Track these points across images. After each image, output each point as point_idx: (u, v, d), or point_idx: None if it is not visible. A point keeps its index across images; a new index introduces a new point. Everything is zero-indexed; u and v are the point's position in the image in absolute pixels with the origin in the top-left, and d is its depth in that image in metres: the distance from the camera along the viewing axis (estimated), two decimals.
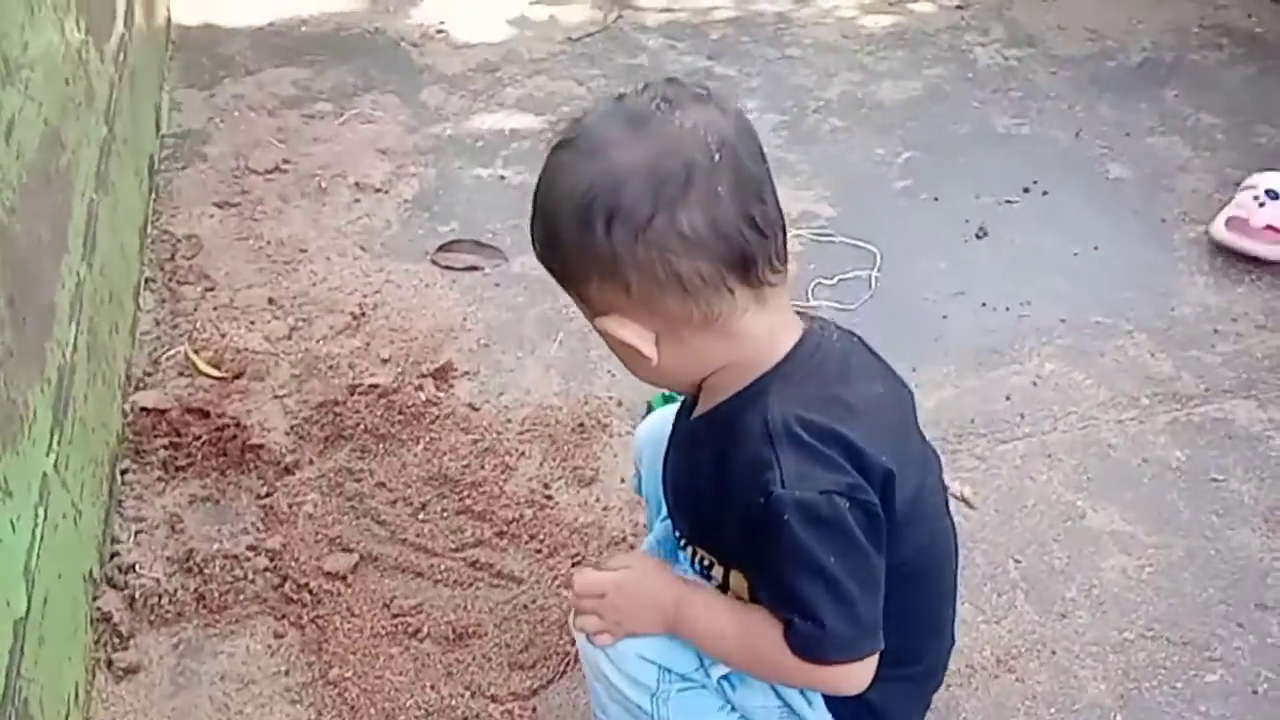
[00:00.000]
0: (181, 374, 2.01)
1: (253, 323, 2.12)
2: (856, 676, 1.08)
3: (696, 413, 1.17)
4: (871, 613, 1.07)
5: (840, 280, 2.24)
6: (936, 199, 2.47)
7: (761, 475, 1.01)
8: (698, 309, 1.01)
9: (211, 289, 2.21)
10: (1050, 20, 3.17)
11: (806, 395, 1.05)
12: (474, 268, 2.29)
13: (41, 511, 1.41)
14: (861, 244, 2.33)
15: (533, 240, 1.10)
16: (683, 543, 1.28)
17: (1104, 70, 2.94)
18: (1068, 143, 2.65)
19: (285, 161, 2.59)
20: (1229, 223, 2.24)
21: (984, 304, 2.18)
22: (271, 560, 1.71)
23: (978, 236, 2.36)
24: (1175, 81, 2.88)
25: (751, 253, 1.00)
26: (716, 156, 1.00)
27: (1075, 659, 1.57)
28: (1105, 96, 2.83)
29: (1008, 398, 1.98)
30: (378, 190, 2.51)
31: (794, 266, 1.07)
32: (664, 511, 1.37)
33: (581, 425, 1.93)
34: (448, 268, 2.29)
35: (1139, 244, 2.32)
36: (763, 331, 1.06)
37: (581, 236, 1.01)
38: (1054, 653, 1.58)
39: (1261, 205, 2.18)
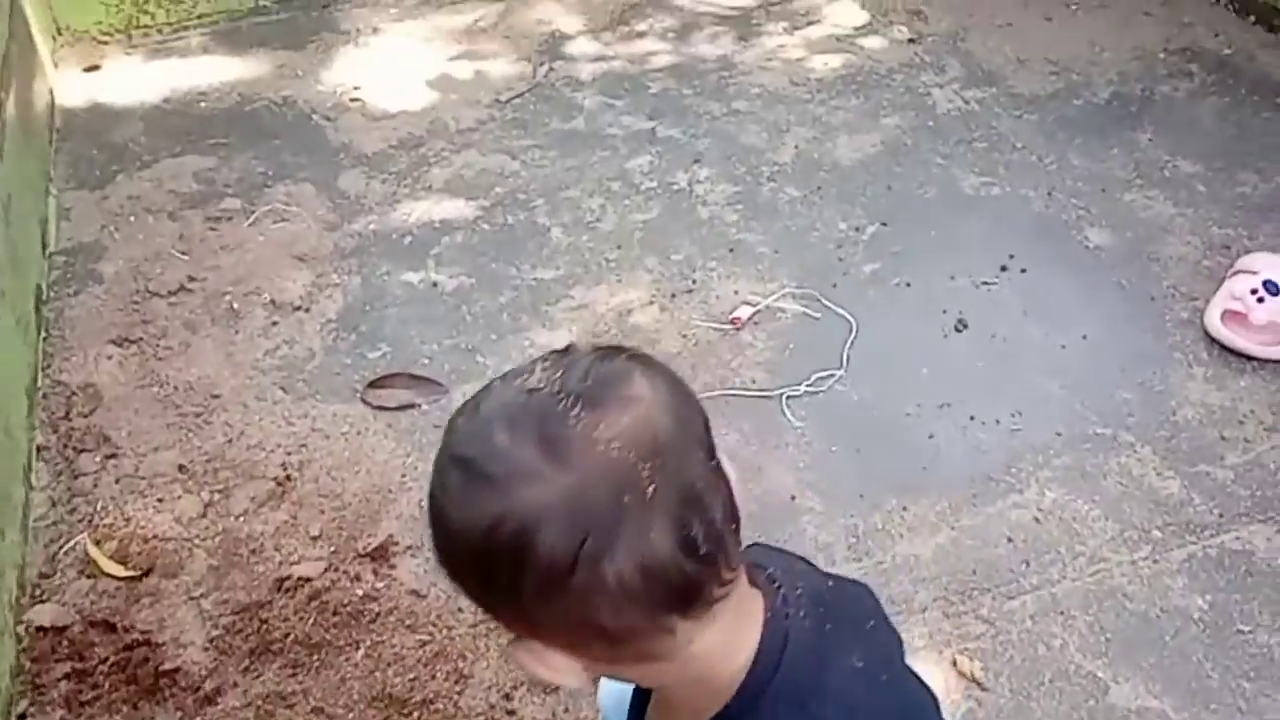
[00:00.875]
0: (82, 574, 1.77)
1: (161, 500, 1.88)
2: None
3: None
4: None
5: (809, 394, 2.05)
6: (909, 285, 2.27)
7: None
8: (630, 651, 0.83)
9: (113, 455, 1.96)
10: (1008, 52, 2.97)
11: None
12: (410, 405, 2.06)
13: None
14: (834, 346, 2.13)
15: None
16: None
17: (1071, 111, 2.76)
18: (1041, 205, 2.46)
19: (190, 279, 2.32)
20: (1225, 316, 2.07)
21: (972, 417, 2.00)
22: None
23: (957, 329, 2.17)
24: (1147, 120, 2.71)
25: (693, 585, 0.81)
26: (650, 487, 0.78)
27: None
28: (1075, 143, 2.64)
29: (1009, 539, 1.80)
30: (297, 308, 2.26)
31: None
32: None
33: None
34: (380, 408, 2.06)
35: (1129, 329, 2.15)
36: (716, 647, 0.87)
37: (484, 582, 0.81)
38: None
39: (1261, 300, 2.01)
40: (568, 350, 0.83)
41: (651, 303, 2.27)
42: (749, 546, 1.00)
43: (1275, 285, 2.01)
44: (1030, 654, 1.65)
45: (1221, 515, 1.82)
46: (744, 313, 2.21)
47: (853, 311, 2.20)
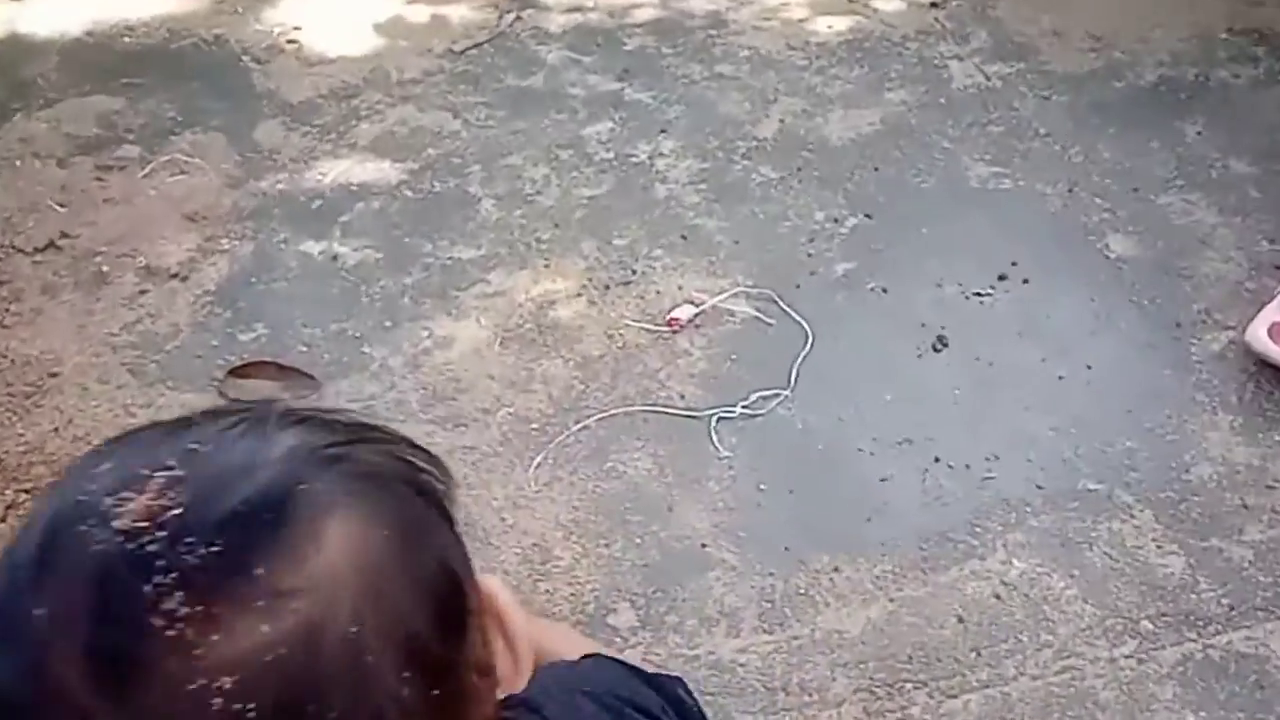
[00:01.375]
0: None
1: None
2: None
3: None
4: None
5: (745, 417, 1.70)
6: (885, 290, 1.91)
7: None
8: None
9: None
10: (1045, 23, 2.57)
11: None
12: (271, 402, 1.74)
13: None
14: (784, 360, 1.78)
15: None
16: None
17: (1109, 94, 2.35)
18: (1058, 203, 2.08)
19: (63, 235, 2.04)
20: (1273, 329, 1.69)
21: (937, 459, 1.64)
22: None
23: (935, 349, 1.81)
24: (1198, 110, 2.30)
25: None
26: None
27: None
28: (1108, 132, 2.25)
29: (960, 619, 1.45)
30: (173, 276, 1.97)
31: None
32: None
33: None
34: (236, 401, 1.75)
35: (1145, 362, 1.77)
36: None
37: None
38: None
39: None
40: (209, 437, 0.47)
41: (580, 294, 1.93)
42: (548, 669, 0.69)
43: None
44: None
45: (1232, 607, 1.45)
46: (685, 313, 1.87)
47: (812, 319, 1.85)
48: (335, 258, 2.01)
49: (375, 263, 2.00)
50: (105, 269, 1.97)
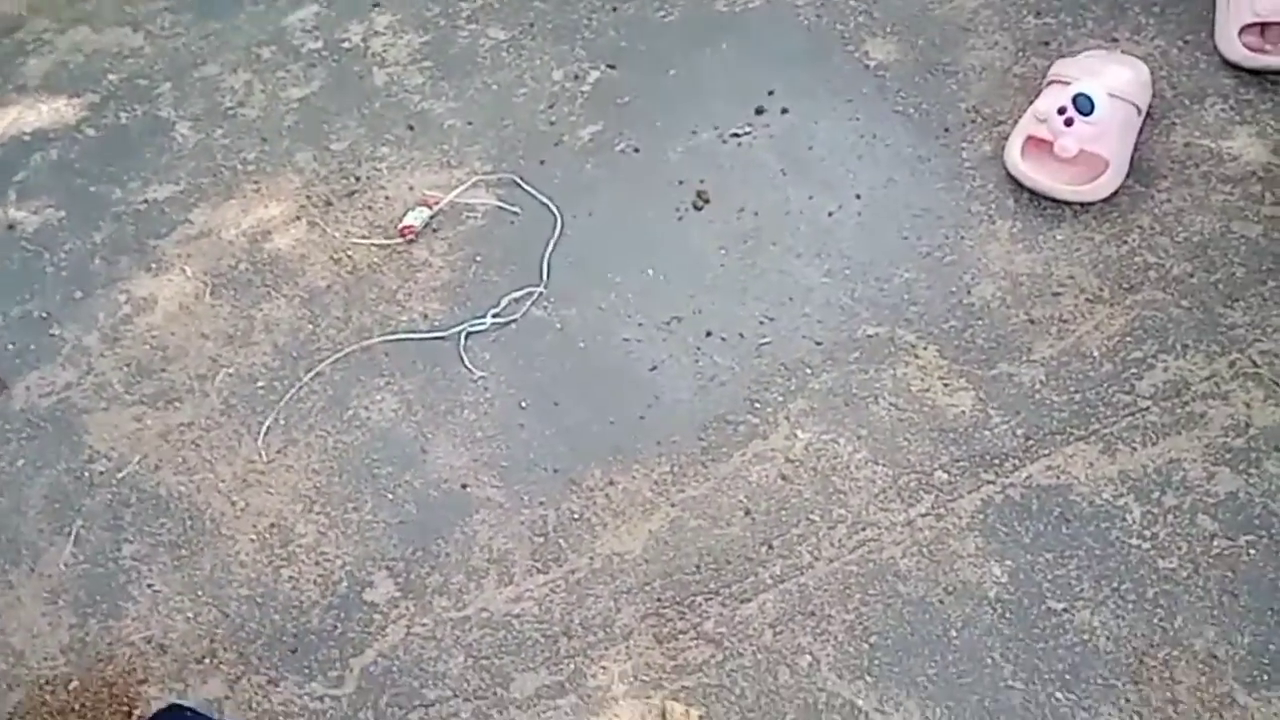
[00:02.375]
0: None
1: None
2: None
3: None
4: None
5: (497, 326, 1.52)
6: (637, 150, 1.72)
7: None
8: None
9: None
10: None
11: None
12: None
13: None
14: (535, 251, 1.59)
15: None
16: None
17: None
18: (812, 15, 1.88)
19: None
20: (1027, 147, 1.55)
21: (709, 333, 1.49)
22: None
23: (696, 207, 1.63)
24: None
25: None
26: None
27: None
28: None
29: (746, 511, 1.32)
30: None
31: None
32: None
33: (99, 704, 1.23)
34: None
35: (916, 179, 1.62)
36: None
37: None
38: None
39: (1069, 123, 1.49)
40: None
41: (298, 217, 1.70)
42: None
43: (1090, 101, 1.48)
44: (768, 684, 1.20)
45: (1028, 437, 1.35)
46: (418, 218, 1.65)
47: (560, 198, 1.65)
48: (12, 226, 1.73)
49: (59, 223, 1.73)
50: None
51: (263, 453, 1.44)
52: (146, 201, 1.74)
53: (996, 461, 1.33)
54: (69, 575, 1.37)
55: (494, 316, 1.54)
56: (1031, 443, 1.34)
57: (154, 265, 1.66)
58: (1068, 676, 1.18)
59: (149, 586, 1.34)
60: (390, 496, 1.39)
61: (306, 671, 1.26)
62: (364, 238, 1.65)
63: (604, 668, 1.22)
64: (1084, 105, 1.48)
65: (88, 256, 1.68)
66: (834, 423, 1.38)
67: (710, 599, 1.26)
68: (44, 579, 1.37)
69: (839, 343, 1.46)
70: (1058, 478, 1.31)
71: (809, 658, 1.21)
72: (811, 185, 1.63)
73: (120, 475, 1.44)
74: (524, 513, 1.36)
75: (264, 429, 1.46)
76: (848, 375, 1.42)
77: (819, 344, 1.46)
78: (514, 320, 1.54)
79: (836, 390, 1.41)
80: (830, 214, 1.60)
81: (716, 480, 1.35)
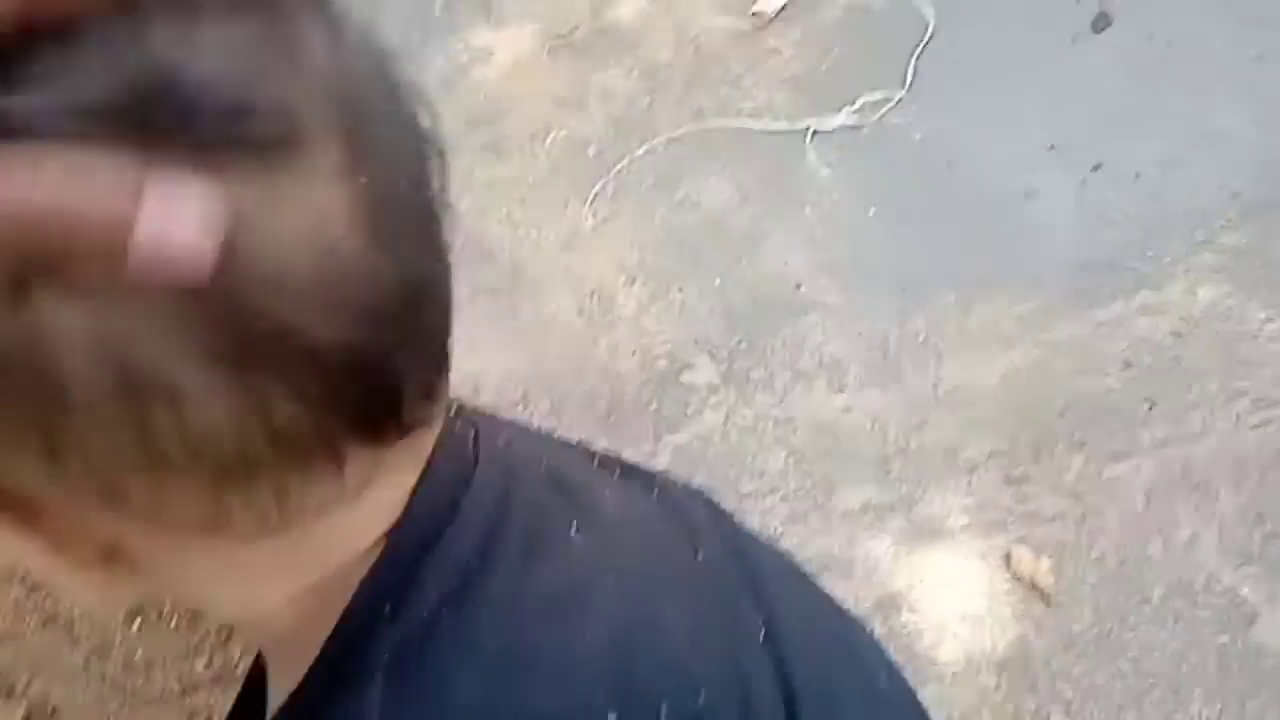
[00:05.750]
0: None
1: None
2: None
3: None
4: None
5: (849, 128, 1.37)
6: None
7: None
8: (244, 510, 0.37)
9: None
10: None
11: (451, 656, 0.43)
12: None
13: None
14: (899, 53, 1.43)
15: None
16: None
17: None
18: None
19: None
20: None
21: (1097, 166, 1.30)
22: None
23: (1095, 29, 1.43)
24: None
25: (393, 380, 0.38)
26: None
27: None
28: None
29: (1127, 364, 1.15)
30: None
31: None
32: None
33: None
34: None
35: None
36: (376, 513, 0.43)
37: None
38: None
39: None
40: None
41: None
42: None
43: None
44: (1135, 552, 1.04)
45: None
46: (771, 3, 1.51)
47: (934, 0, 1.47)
48: None
49: None
50: None
51: (589, 218, 1.35)
52: None
53: None
54: None
55: (848, 115, 1.39)
56: None
57: (494, 18, 1.58)
58: None
59: (467, 329, 1.28)
60: (717, 283, 1.28)
61: (618, 439, 1.18)
62: (712, 15, 1.52)
63: (942, 498, 1.09)
64: None
65: (429, 2, 1.62)
66: (1246, 285, 1.18)
67: (1074, 450, 1.10)
68: None
69: (1262, 199, 1.24)
70: None
71: (1188, 533, 1.04)
72: (1237, 19, 1.39)
73: None
74: (863, 324, 1.22)
75: (592, 195, 1.37)
76: (1268, 236, 1.21)
77: (1235, 195, 1.24)
78: (868, 124, 1.38)
79: (1252, 250, 1.20)
80: (1260, 57, 1.36)
81: (1093, 325, 1.18)
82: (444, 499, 0.46)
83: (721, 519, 0.60)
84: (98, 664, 1.11)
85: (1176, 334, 1.16)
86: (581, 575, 0.48)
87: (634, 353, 1.24)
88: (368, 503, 0.43)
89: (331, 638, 0.44)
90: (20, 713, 1.09)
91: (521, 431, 0.53)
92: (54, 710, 1.09)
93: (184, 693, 1.09)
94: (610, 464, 0.58)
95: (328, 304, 0.35)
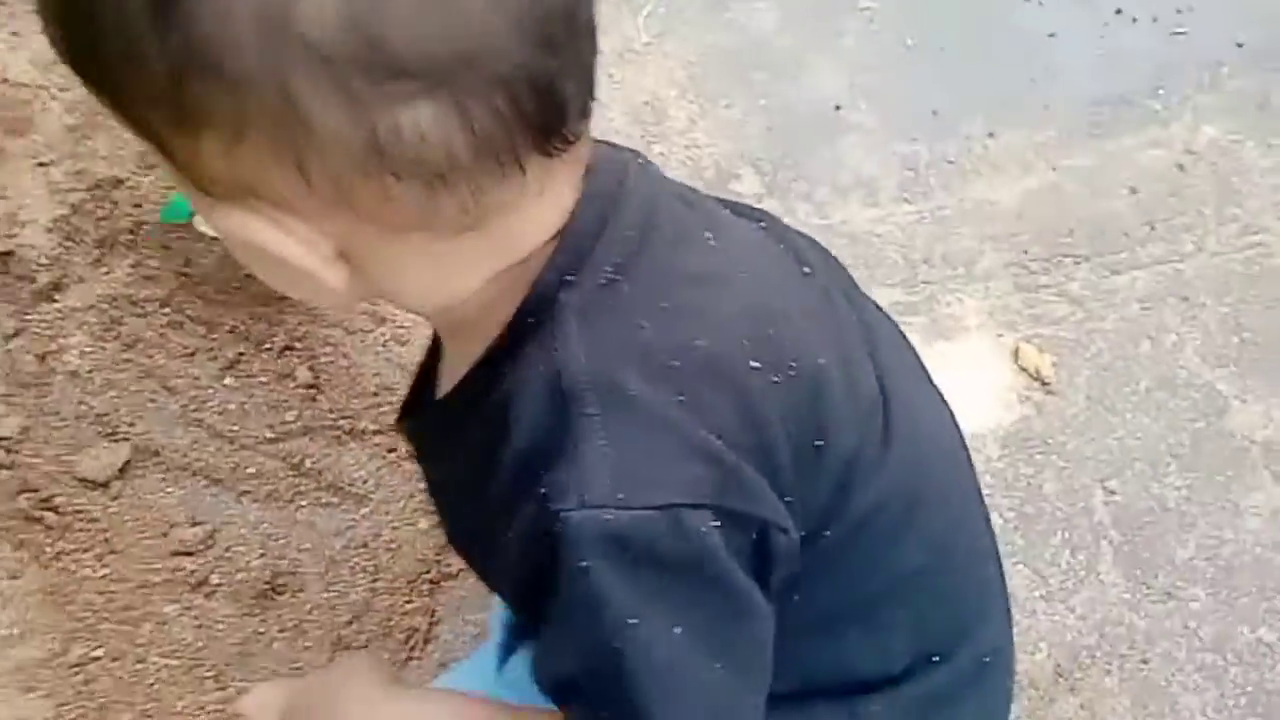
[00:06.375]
0: None
1: (16, 34, 1.45)
2: None
3: (444, 378, 0.67)
4: (732, 711, 0.57)
5: None
6: None
7: (546, 486, 0.53)
8: (451, 203, 0.49)
9: None
10: None
11: (628, 304, 0.56)
12: None
13: None
14: None
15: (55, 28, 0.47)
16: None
17: None
18: None
19: None
20: None
21: (1119, 10, 1.41)
22: (8, 453, 1.19)
23: None
24: None
25: (559, 97, 0.49)
26: None
27: (1182, 673, 1.03)
28: None
29: (1133, 190, 1.28)
30: None
31: None
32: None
33: None
34: None
35: None
36: (549, 213, 0.55)
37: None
38: (1146, 659, 1.03)
39: None
40: None
41: None
42: None
43: None
44: (1127, 351, 1.19)
45: None
46: None
47: None
48: None
49: None
50: None
51: (641, 33, 1.44)
52: None
53: None
54: None
55: None
56: None
57: None
58: None
59: None
60: (763, 102, 1.38)
61: None
62: None
63: (960, 300, 1.22)
64: None
65: None
66: (1244, 125, 1.31)
67: (1080, 263, 1.24)
68: None
69: (1264, 49, 1.35)
70: None
71: (1174, 337, 1.19)
72: None
73: None
74: (896, 145, 1.34)
75: (644, 11, 1.45)
76: (1268, 83, 1.33)
77: (1241, 45, 1.36)
78: None
79: (1252, 94, 1.32)
80: None
81: (1104, 156, 1.30)
82: (605, 199, 0.56)
83: (819, 248, 0.72)
84: (194, 413, 1.23)
85: (1180, 166, 1.28)
86: (718, 265, 0.61)
87: (684, 163, 1.35)
88: (544, 202, 0.54)
89: (523, 304, 0.56)
90: (125, 453, 1.21)
91: (647, 161, 0.65)
92: (156, 451, 1.21)
93: (276, 440, 1.21)
94: (719, 200, 0.70)
95: (514, 33, 0.46)
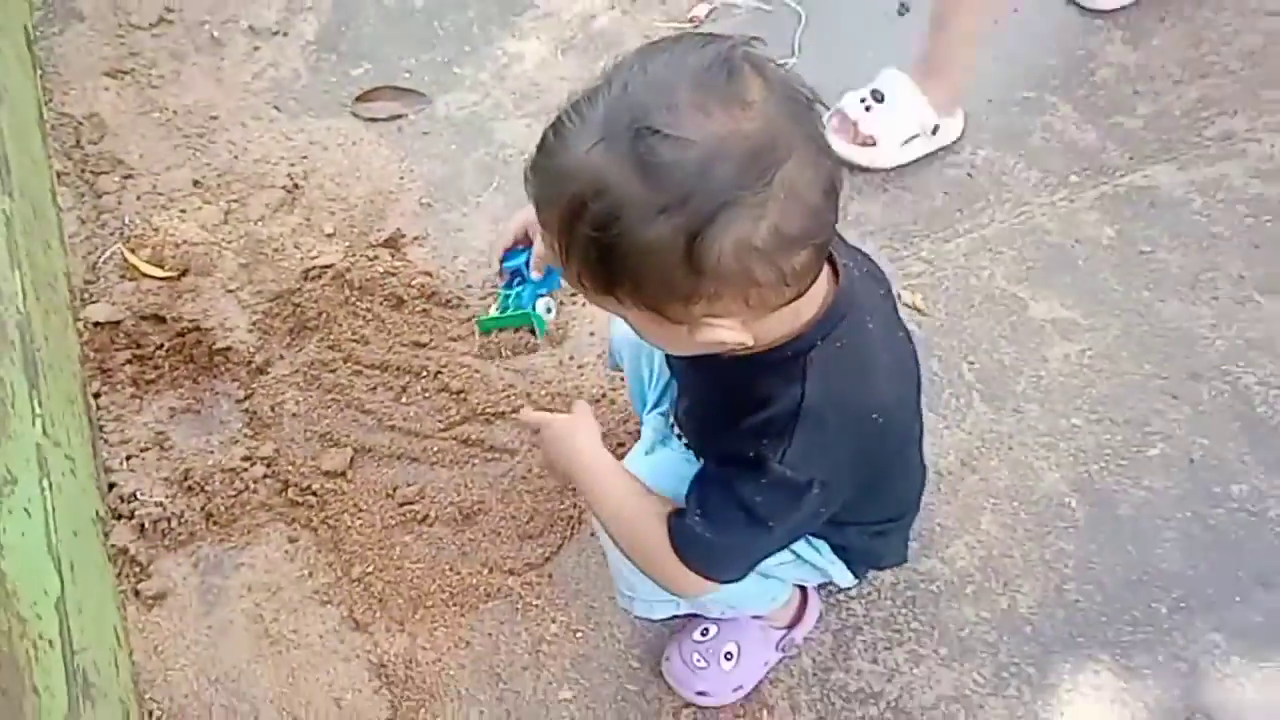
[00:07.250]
0: (124, 278, 1.97)
1: (183, 211, 2.06)
2: (696, 588, 1.14)
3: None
4: (758, 557, 1.17)
5: None
6: None
7: (770, 438, 1.06)
8: (793, 290, 0.97)
9: (129, 176, 2.12)
10: None
11: (843, 373, 1.06)
12: (398, 116, 2.22)
13: (45, 483, 1.44)
14: (786, 36, 2.29)
15: (568, 225, 0.94)
16: (676, 432, 1.37)
17: None
18: None
19: (168, 10, 2.41)
20: (833, 120, 2.04)
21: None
22: (269, 467, 1.76)
23: (900, 12, 2.33)
24: None
25: (829, 229, 0.97)
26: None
27: (1030, 451, 1.73)
28: None
29: (945, 193, 2.04)
30: (275, 33, 2.38)
31: None
32: (649, 404, 1.45)
33: None
34: (371, 119, 2.22)
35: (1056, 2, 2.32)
36: (818, 288, 1.05)
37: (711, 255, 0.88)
38: (1010, 448, 1.74)
39: (868, 109, 2.01)
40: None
41: (613, 7, 2.39)
42: None
43: (881, 95, 2.03)
44: (963, 284, 1.92)
45: (1131, 158, 2.06)
46: (701, 10, 2.35)
47: (803, 1, 2.35)
48: (403, 0, 2.43)
49: (439, 3, 2.43)
50: (216, 34, 2.37)
51: None
52: None
53: (1110, 171, 2.04)
54: (500, 208, 2.08)
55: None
56: (1133, 162, 2.05)
57: (517, 33, 2.36)
58: (1150, 285, 1.90)
59: None
60: None
61: None
62: (663, 21, 2.35)
63: None
64: (878, 97, 2.16)
65: (467, 26, 2.38)
66: (1004, 148, 2.09)
67: (924, 239, 1.98)
68: (485, 211, 2.08)
69: (1005, 101, 2.16)
70: (1149, 183, 2.03)
71: (988, 271, 1.93)
72: None
73: (524, 156, 2.15)
74: None
75: None
76: (1011, 120, 2.13)
77: (990, 102, 2.16)
78: None
79: (1003, 130, 2.12)
80: (995, 22, 2.29)
81: (922, 178, 2.06)
82: (843, 301, 1.05)
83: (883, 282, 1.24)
84: (387, 423, 1.83)
85: (969, 174, 2.05)
86: (873, 349, 1.10)
87: None
88: (813, 300, 1.02)
89: (779, 350, 1.05)
90: (349, 453, 1.77)
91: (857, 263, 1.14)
92: (370, 449, 1.80)
93: (447, 428, 1.82)
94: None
95: (834, 215, 0.96)
